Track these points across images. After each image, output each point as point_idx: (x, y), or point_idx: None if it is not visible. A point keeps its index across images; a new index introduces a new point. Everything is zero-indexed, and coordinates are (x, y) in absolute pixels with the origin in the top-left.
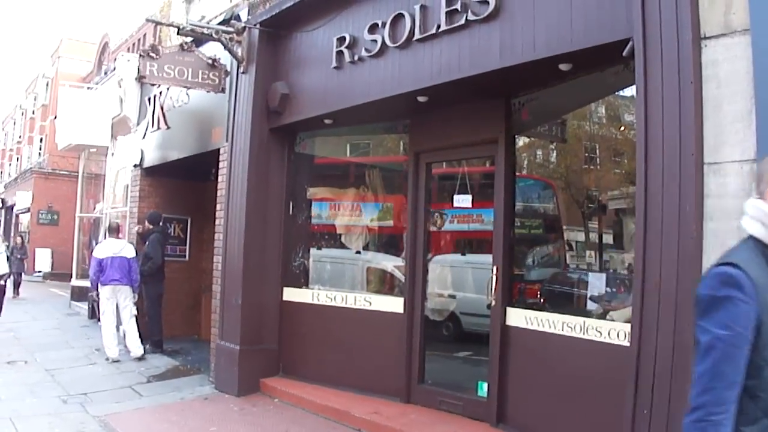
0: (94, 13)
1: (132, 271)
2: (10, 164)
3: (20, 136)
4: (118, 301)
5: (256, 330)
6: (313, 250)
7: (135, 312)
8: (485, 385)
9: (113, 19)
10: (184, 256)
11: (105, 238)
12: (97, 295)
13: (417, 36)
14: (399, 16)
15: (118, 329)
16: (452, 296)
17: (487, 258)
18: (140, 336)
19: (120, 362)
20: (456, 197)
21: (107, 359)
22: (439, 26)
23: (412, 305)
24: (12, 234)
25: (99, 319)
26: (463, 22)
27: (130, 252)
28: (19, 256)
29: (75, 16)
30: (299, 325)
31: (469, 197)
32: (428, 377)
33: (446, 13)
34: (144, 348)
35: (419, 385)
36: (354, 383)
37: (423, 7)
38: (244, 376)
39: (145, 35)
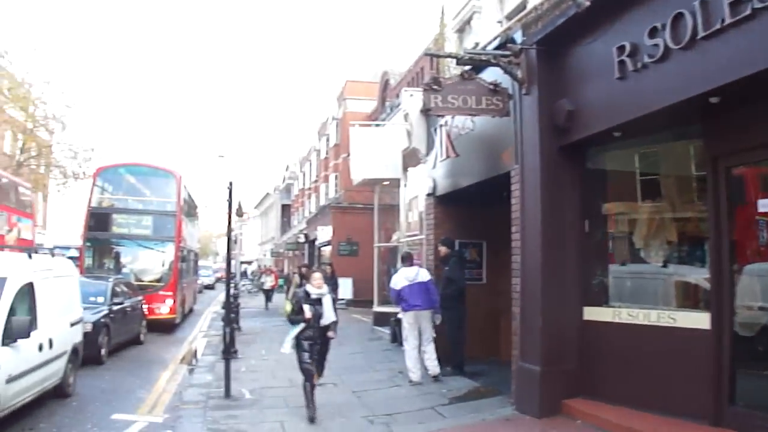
0: (370, 54)
1: (431, 293)
2: (309, 201)
3: (317, 176)
4: (420, 326)
5: (556, 350)
6: (611, 267)
7: (434, 334)
8: None
9: (390, 57)
10: (481, 279)
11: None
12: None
13: (701, 34)
14: (678, 16)
15: (419, 352)
16: (764, 309)
17: None
18: (443, 358)
19: (422, 384)
20: (762, 201)
21: (410, 382)
22: (723, 20)
23: (719, 320)
24: (317, 265)
25: (401, 344)
26: (749, 11)
27: (425, 276)
28: (329, 286)
29: (354, 59)
30: (600, 344)
31: None
32: (739, 398)
33: (729, 4)
34: (446, 370)
35: (730, 408)
36: (658, 405)
37: (703, 3)
38: (545, 397)
39: (422, 68)
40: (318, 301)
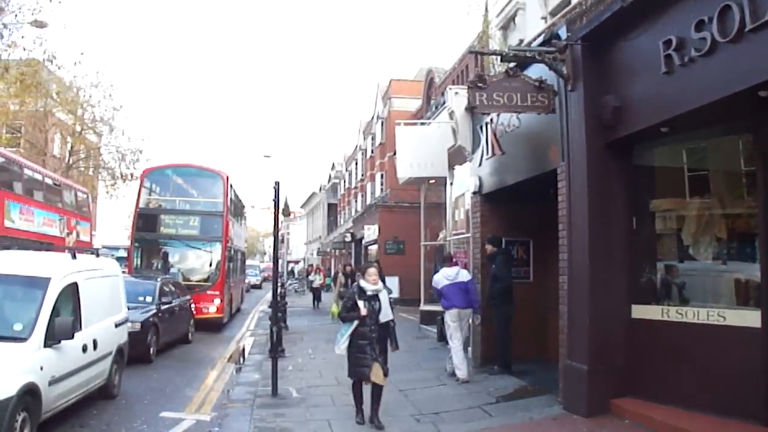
0: (414, 52)
1: (470, 293)
2: (356, 201)
3: (362, 175)
4: (461, 324)
5: (604, 349)
6: (660, 264)
7: (467, 334)
8: None
9: (434, 55)
10: (528, 278)
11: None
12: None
13: (749, 26)
14: (726, 8)
15: (466, 351)
16: None
17: None
18: (490, 357)
19: (469, 383)
20: None
21: (457, 380)
22: None
23: None
24: (363, 263)
25: (447, 342)
26: None
27: (465, 276)
28: None
29: (398, 58)
30: (648, 342)
31: None
32: None
33: None
34: (493, 369)
35: None
36: (708, 404)
37: None
38: (593, 397)
39: (467, 66)
40: (374, 298)
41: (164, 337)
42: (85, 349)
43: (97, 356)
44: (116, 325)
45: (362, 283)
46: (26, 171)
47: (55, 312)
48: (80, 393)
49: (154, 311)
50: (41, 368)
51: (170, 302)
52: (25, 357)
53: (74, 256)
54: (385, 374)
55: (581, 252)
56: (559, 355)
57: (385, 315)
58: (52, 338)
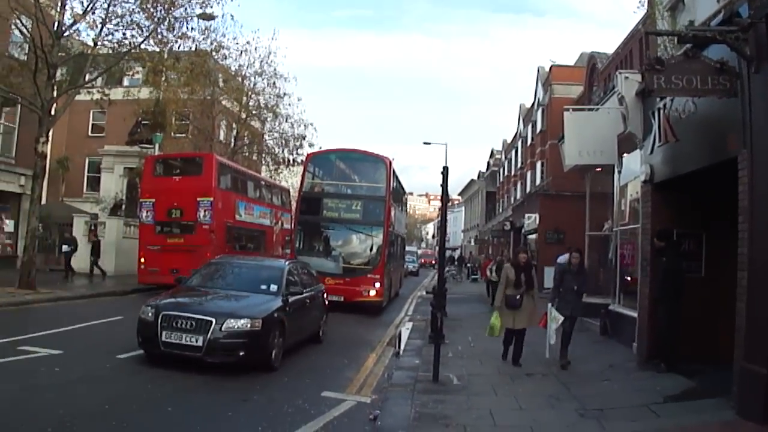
0: (573, 38)
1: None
2: (515, 189)
3: (522, 163)
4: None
5: None
6: None
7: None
8: None
9: (593, 39)
10: (700, 272)
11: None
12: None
13: None
14: None
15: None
16: None
17: None
18: (656, 353)
19: (634, 380)
20: None
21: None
22: None
23: None
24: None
25: (610, 336)
26: None
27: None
28: (579, 282)
29: (559, 43)
30: None
31: None
32: None
33: None
34: (660, 366)
35: None
36: None
37: None
38: None
39: (631, 51)
40: None
41: (290, 339)
42: None
43: None
44: None
45: None
46: (248, 177)
47: None
48: None
49: (280, 304)
50: None
51: (300, 292)
52: None
53: None
54: None
55: (764, 245)
56: (733, 357)
57: None
58: None
